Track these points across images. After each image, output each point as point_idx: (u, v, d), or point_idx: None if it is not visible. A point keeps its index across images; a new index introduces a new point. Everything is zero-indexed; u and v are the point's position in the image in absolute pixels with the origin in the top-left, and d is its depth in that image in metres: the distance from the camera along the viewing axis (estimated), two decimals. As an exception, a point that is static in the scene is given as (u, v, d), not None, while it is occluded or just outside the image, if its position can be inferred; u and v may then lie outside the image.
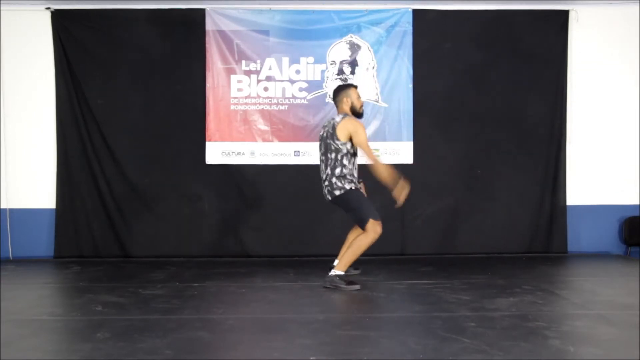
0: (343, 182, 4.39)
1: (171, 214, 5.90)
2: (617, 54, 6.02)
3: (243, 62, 5.90)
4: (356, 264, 4.83)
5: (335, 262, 4.55)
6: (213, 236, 5.93)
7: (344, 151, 4.39)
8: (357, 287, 4.30)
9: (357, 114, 4.53)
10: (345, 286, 4.29)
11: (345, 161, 4.40)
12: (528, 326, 3.27)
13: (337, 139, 4.38)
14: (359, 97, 4.55)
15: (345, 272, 4.43)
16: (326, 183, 4.45)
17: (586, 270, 5.35)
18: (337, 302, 4.04)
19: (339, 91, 4.59)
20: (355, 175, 4.50)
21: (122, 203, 5.87)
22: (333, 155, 4.41)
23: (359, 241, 4.33)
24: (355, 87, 4.62)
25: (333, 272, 4.39)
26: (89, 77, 5.85)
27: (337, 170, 4.39)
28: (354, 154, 4.46)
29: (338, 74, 5.93)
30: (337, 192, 4.41)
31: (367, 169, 4.60)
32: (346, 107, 4.52)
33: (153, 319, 3.49)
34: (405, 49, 5.93)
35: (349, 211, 4.48)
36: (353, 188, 4.41)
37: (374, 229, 4.31)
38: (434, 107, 5.96)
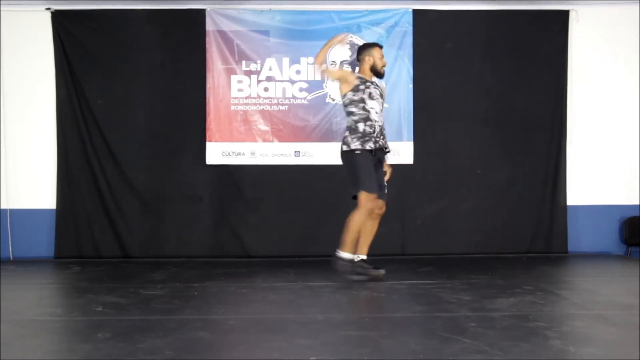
0: (352, 137, 4.35)
1: (171, 214, 5.90)
2: (617, 54, 6.02)
3: (243, 62, 5.90)
4: (377, 264, 4.58)
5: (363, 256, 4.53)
6: (213, 236, 5.93)
7: (347, 102, 4.45)
8: (379, 272, 4.35)
9: (377, 73, 4.52)
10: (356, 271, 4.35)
11: (352, 108, 4.40)
12: (528, 326, 3.26)
13: (341, 96, 4.53)
14: (382, 57, 4.53)
15: (357, 263, 4.39)
16: (343, 136, 4.50)
17: (586, 271, 5.35)
18: (337, 302, 4.04)
19: (363, 49, 4.63)
20: (370, 132, 4.35)
21: (122, 203, 5.87)
22: (344, 112, 4.51)
23: (351, 218, 4.27)
24: (380, 47, 4.61)
25: (342, 255, 4.35)
26: (89, 77, 5.85)
27: (348, 122, 4.44)
28: (360, 101, 4.39)
29: (338, 74, 5.92)
30: (343, 147, 4.38)
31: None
32: (367, 66, 4.53)
33: (153, 319, 3.48)
34: (405, 49, 5.93)
35: (347, 174, 4.43)
36: (359, 152, 4.31)
37: (365, 202, 4.23)
38: (434, 107, 5.96)
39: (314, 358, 2.75)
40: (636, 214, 5.98)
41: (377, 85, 4.57)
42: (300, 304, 3.97)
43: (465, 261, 5.57)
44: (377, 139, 4.40)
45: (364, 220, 4.30)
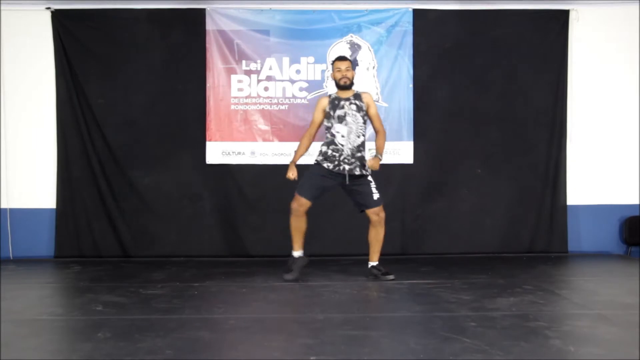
0: (318, 154, 4.65)
1: (171, 214, 5.90)
2: (617, 54, 6.01)
3: (243, 62, 5.90)
4: (386, 269, 4.69)
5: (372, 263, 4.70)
6: (213, 236, 5.93)
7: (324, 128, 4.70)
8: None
9: (338, 86, 4.65)
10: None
11: (326, 133, 4.65)
12: (529, 326, 3.27)
13: None
14: (339, 69, 4.61)
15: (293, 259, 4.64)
16: None
17: (586, 270, 5.35)
18: (337, 302, 4.04)
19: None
20: (334, 155, 4.54)
21: (122, 203, 5.87)
22: None
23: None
24: (339, 59, 4.71)
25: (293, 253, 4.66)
26: (89, 77, 5.85)
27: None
28: (330, 127, 4.61)
29: (338, 74, 5.92)
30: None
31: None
32: (334, 82, 4.72)
33: (154, 318, 3.49)
34: (405, 48, 5.92)
35: None
36: (314, 163, 4.64)
37: (292, 202, 4.54)
38: (434, 107, 5.95)
39: (314, 358, 2.75)
40: (636, 213, 5.98)
41: (353, 101, 4.60)
42: (300, 304, 3.97)
43: (465, 261, 5.57)
44: (340, 164, 4.54)
45: (292, 219, 4.58)
